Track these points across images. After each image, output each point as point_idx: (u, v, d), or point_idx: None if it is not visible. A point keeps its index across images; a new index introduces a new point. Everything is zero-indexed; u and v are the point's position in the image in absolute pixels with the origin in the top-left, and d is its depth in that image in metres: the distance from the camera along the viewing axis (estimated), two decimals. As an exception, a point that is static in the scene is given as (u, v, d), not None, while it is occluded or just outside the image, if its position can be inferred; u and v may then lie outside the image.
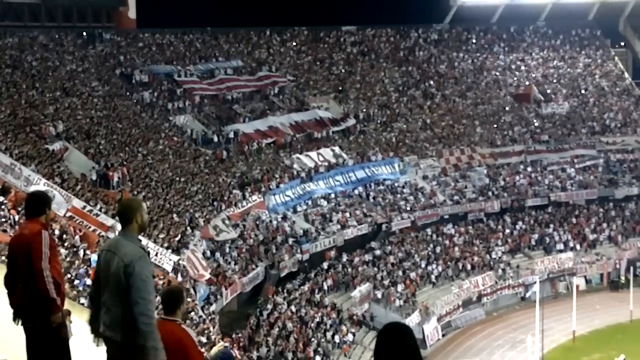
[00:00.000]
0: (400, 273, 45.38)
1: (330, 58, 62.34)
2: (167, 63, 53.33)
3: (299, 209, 46.48)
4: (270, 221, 43.71)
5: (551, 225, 52.91)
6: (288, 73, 58.26)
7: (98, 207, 32.20)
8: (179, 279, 31.60)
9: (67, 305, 6.55)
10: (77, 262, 27.22)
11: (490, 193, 53.86)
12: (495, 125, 60.14)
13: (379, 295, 42.93)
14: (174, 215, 36.64)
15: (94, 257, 26.52)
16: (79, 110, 41.84)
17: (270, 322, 36.60)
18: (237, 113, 51.79)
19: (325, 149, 51.06)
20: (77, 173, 35.36)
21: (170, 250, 32.82)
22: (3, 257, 22.62)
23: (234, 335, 33.66)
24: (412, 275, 45.50)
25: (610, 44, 71.45)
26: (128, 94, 47.94)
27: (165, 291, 5.99)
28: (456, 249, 49.02)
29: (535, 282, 44.67)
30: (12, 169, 31.18)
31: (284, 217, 44.82)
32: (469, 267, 47.92)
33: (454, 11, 67.97)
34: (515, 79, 65.95)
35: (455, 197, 52.79)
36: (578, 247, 52.02)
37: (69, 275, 25.33)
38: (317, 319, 38.68)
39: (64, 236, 28.41)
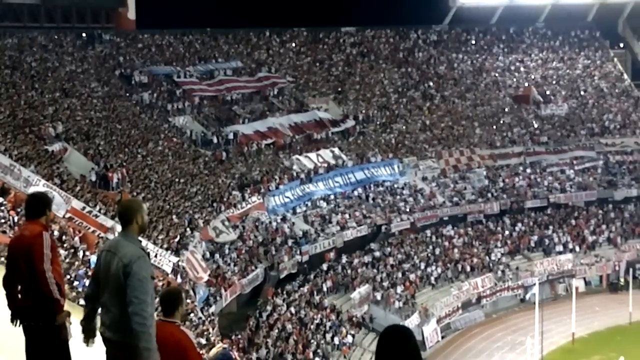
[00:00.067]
0: (400, 274, 45.37)
1: (330, 59, 62.37)
2: (166, 64, 53.35)
3: (298, 210, 46.47)
4: (270, 222, 43.70)
5: (550, 227, 52.92)
6: (287, 74, 58.28)
7: (97, 208, 32.18)
8: (179, 280, 31.57)
9: (67, 306, 6.54)
10: (76, 263, 27.19)
11: (489, 194, 53.87)
12: (494, 127, 60.16)
13: (379, 297, 42.91)
14: (174, 217, 36.62)
15: (93, 258, 26.50)
16: (78, 111, 41.83)
17: (270, 324, 36.58)
18: (237, 114, 51.79)
19: (324, 150, 51.07)
20: (76, 174, 35.35)
21: (169, 252, 32.80)
22: (1, 258, 22.59)
23: (233, 337, 33.65)
24: (412, 276, 45.49)
25: (609, 45, 71.53)
26: (127, 94, 47.92)
27: (163, 292, 5.98)
28: (455, 250, 49.01)
29: (534, 284, 44.67)
30: (12, 170, 31.15)
31: (284, 219, 44.81)
32: (468, 268, 47.91)
33: (453, 12, 68.04)
34: (514, 80, 65.99)
35: (455, 199, 52.80)
36: (577, 248, 52.02)
37: (68, 277, 25.28)
38: (317, 321, 38.66)
39: (64, 237, 28.38)
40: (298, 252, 42.65)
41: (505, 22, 69.77)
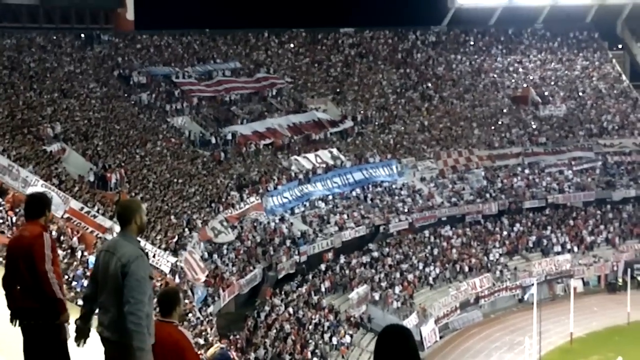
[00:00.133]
0: (398, 275, 45.40)
1: (328, 60, 62.39)
2: (165, 64, 53.34)
3: (296, 210, 46.49)
4: (268, 223, 43.71)
5: (549, 227, 52.96)
6: (286, 75, 58.29)
7: (96, 208, 32.19)
8: (177, 280, 31.58)
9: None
10: (74, 263, 27.20)
11: (487, 195, 53.91)
12: (492, 127, 60.20)
13: (377, 297, 42.93)
14: (172, 217, 36.63)
15: (91, 259, 26.52)
16: (76, 112, 41.83)
17: (268, 324, 36.59)
18: (235, 115, 51.79)
19: (323, 150, 51.08)
20: (74, 174, 35.35)
21: (167, 252, 32.80)
22: (0, 259, 22.60)
23: (231, 337, 33.65)
24: (410, 277, 45.53)
25: (607, 47, 71.57)
26: (126, 95, 47.92)
27: (161, 293, 5.99)
28: (454, 250, 49.05)
29: (532, 284, 44.73)
30: (10, 170, 31.17)
31: (282, 219, 44.82)
32: (466, 269, 47.95)
33: (451, 13, 68.06)
34: (513, 81, 66.03)
35: (453, 199, 52.83)
36: (575, 249, 52.07)
37: (66, 277, 25.30)
38: (315, 321, 38.69)
39: (62, 237, 28.38)
40: (296, 252, 42.66)
41: (503, 23, 69.79)
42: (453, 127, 59.27)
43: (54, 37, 49.82)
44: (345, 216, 47.52)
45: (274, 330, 36.06)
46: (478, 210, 52.61)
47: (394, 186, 52.04)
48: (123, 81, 49.49)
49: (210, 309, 34.16)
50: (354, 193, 50.23)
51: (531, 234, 52.43)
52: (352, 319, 40.53)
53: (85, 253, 28.36)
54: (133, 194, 35.51)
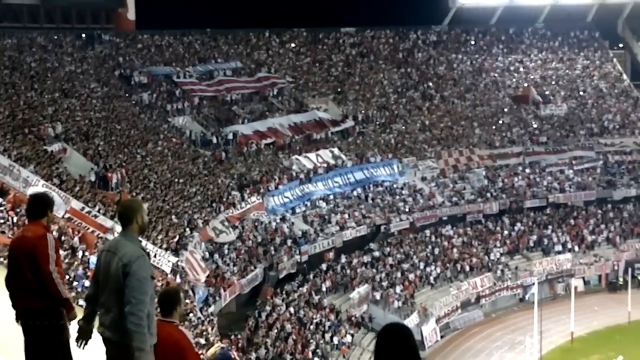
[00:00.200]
0: (399, 274, 45.41)
1: (329, 59, 62.39)
2: (166, 64, 53.35)
3: (297, 210, 46.50)
4: (269, 222, 43.72)
5: (549, 227, 52.96)
6: (287, 74, 58.30)
7: (97, 208, 32.21)
8: (178, 280, 31.60)
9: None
10: (75, 263, 27.23)
11: (488, 194, 53.90)
12: (493, 127, 60.19)
13: (378, 297, 42.95)
14: (173, 217, 36.65)
15: (92, 259, 26.55)
16: (77, 112, 41.85)
17: (269, 324, 36.61)
18: (236, 114, 51.81)
19: (324, 150, 51.09)
20: (75, 174, 35.37)
21: (169, 252, 32.82)
22: (1, 259, 22.62)
23: (232, 337, 33.67)
24: (411, 276, 45.53)
25: (608, 46, 71.53)
26: (127, 95, 47.94)
27: (161, 293, 5.99)
28: (455, 250, 49.05)
29: (533, 284, 44.73)
30: (11, 170, 31.19)
31: (283, 219, 44.84)
32: (467, 268, 47.96)
33: (452, 13, 68.04)
34: (513, 80, 66.01)
35: (454, 199, 52.83)
36: (576, 248, 52.06)
37: (67, 277, 25.33)
38: (316, 321, 38.70)
39: (63, 237, 28.40)
40: (297, 252, 42.68)
41: (504, 23, 69.76)
42: (454, 127, 59.27)
43: (55, 37, 49.83)
44: (346, 216, 47.52)
45: (275, 330, 36.08)
46: (479, 210, 52.61)
47: (395, 186, 52.04)
48: (124, 81, 49.51)
49: (211, 309, 34.18)
50: (355, 193, 50.24)
51: (532, 233, 52.43)
52: (353, 318, 40.54)
53: (86, 253, 28.39)
54: (134, 194, 35.53)
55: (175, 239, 34.56)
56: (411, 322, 40.35)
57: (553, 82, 66.43)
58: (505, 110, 62.50)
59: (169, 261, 32.07)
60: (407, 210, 50.12)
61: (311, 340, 36.92)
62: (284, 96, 55.95)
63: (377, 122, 57.43)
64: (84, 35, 51.93)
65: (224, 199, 41.79)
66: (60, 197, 30.55)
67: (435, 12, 68.52)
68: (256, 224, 43.00)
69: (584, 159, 58.29)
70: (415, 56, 65.68)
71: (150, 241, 31.69)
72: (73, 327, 6.19)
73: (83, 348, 5.82)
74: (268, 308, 37.88)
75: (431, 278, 46.59)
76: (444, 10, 68.18)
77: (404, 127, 57.93)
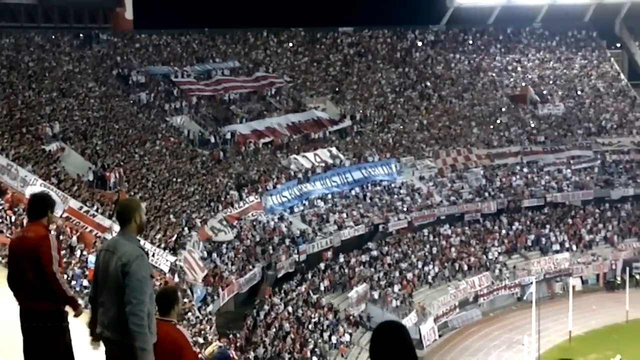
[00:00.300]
0: (397, 274, 45.44)
1: (327, 59, 62.38)
2: (164, 64, 53.32)
3: (295, 209, 46.50)
4: (267, 222, 43.73)
5: (547, 226, 53.01)
6: (285, 74, 58.29)
7: (95, 207, 32.19)
8: (176, 279, 31.60)
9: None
10: (73, 262, 27.22)
11: (486, 194, 53.95)
12: (491, 126, 60.24)
13: (376, 296, 42.98)
14: (171, 216, 36.65)
15: (90, 258, 26.54)
16: (75, 111, 41.83)
17: (267, 323, 36.63)
18: (234, 114, 51.81)
19: (322, 149, 51.10)
20: (73, 174, 35.35)
21: (167, 251, 32.82)
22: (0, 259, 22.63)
23: (230, 336, 33.69)
24: (409, 275, 45.57)
25: (606, 45, 71.58)
26: (125, 94, 47.92)
27: (159, 292, 5.98)
28: (453, 249, 49.10)
29: (531, 283, 44.75)
30: (9, 170, 31.16)
31: (281, 218, 44.85)
32: (465, 267, 48.01)
33: (450, 12, 68.04)
34: (511, 80, 66.05)
35: (452, 198, 52.86)
36: (574, 247, 52.13)
37: (65, 276, 25.32)
38: (314, 320, 38.72)
39: (61, 237, 28.38)
40: (295, 251, 42.69)
41: (502, 23, 69.77)
42: (452, 126, 59.31)
43: (53, 37, 49.78)
44: (344, 215, 47.55)
45: (274, 329, 36.10)
46: (477, 209, 52.65)
47: (393, 185, 52.07)
48: (122, 80, 49.48)
49: (210, 308, 34.18)
50: (353, 192, 50.26)
51: (530, 232, 52.48)
52: (351, 317, 40.57)
53: (85, 252, 28.38)
54: (132, 193, 35.52)
55: (174, 239, 34.56)
56: (409, 321, 40.40)
57: (551, 82, 66.49)
58: (503, 109, 62.55)
59: (167, 260, 32.07)
60: (405, 209, 50.15)
61: (309, 340, 36.95)
62: (282, 96, 55.94)
63: (375, 122, 57.44)
64: (81, 34, 51.86)
65: (222, 199, 41.79)
66: (58, 196, 30.53)
67: (432, 12, 68.55)
68: (254, 223, 43.00)
69: (581, 159, 58.34)
70: (413, 56, 65.69)
71: (149, 240, 31.67)
72: (78, 324, 6.19)
73: (97, 350, 5.82)
74: (266, 307, 37.89)
75: (429, 277, 46.63)
76: (441, 10, 68.19)
77: (401, 127, 57.95)
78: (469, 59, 66.81)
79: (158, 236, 33.74)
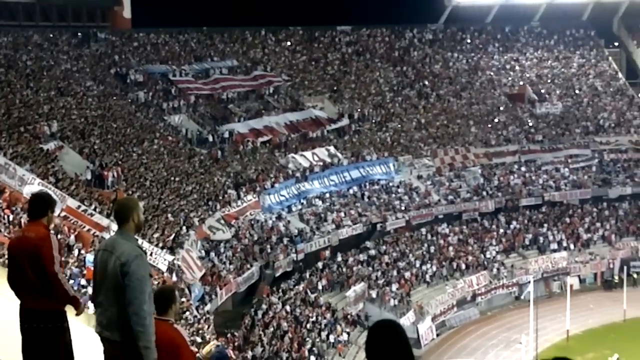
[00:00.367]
0: (395, 273, 45.46)
1: (325, 58, 62.37)
2: (162, 63, 53.30)
3: (293, 208, 46.51)
4: (265, 221, 43.73)
5: (545, 225, 53.05)
6: (283, 73, 58.28)
7: (93, 206, 32.17)
8: (174, 278, 31.59)
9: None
10: (71, 261, 27.20)
11: (484, 193, 53.98)
12: (489, 125, 60.27)
13: (374, 295, 43.00)
14: (169, 215, 36.63)
15: (88, 257, 26.52)
16: (73, 110, 41.80)
17: (265, 322, 36.63)
18: (232, 113, 51.80)
19: (320, 148, 51.11)
20: (71, 172, 35.33)
21: (165, 250, 32.80)
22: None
23: (228, 335, 33.68)
24: (407, 274, 45.58)
25: (604, 44, 71.64)
26: (123, 93, 47.90)
27: (157, 291, 5.98)
28: (450, 248, 49.12)
29: (529, 282, 44.79)
30: (7, 169, 31.13)
31: (279, 217, 44.84)
32: (463, 266, 48.03)
33: (448, 11, 68.04)
34: (509, 79, 66.08)
35: (450, 197, 52.89)
36: (572, 246, 52.17)
37: (63, 275, 25.28)
38: (312, 319, 38.71)
39: (59, 236, 28.37)
40: (293, 250, 42.69)
41: (500, 21, 69.80)
42: (450, 125, 59.34)
43: (51, 35, 49.73)
44: (342, 214, 47.55)
45: (271, 328, 36.10)
46: (475, 208, 52.67)
47: (390, 184, 52.08)
48: (120, 79, 49.46)
49: (208, 307, 34.16)
50: (351, 191, 50.27)
51: (528, 231, 52.53)
52: (349, 316, 40.58)
53: (82, 251, 28.36)
54: (130, 192, 35.50)
55: (171, 238, 34.55)
56: (407, 320, 40.44)
57: (549, 81, 66.53)
58: (501, 108, 62.58)
59: (165, 259, 32.05)
60: (403, 208, 50.16)
61: (307, 339, 36.95)
62: (280, 94, 55.93)
63: (373, 121, 57.45)
64: (79, 33, 51.82)
65: (220, 198, 41.79)
66: (56, 195, 30.53)
67: (431, 11, 68.56)
68: (252, 222, 43.00)
69: (579, 157, 58.37)
70: (411, 54, 65.70)
71: (147, 239, 31.67)
72: (78, 323, 6.19)
73: None
74: (264, 306, 37.89)
75: (427, 276, 46.65)
76: (439, 8, 68.19)
77: (399, 126, 57.97)
78: (467, 57, 66.83)
79: (156, 235, 33.72)
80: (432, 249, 48.61)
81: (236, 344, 33.59)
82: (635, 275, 50.86)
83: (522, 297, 48.10)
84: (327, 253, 44.83)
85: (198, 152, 45.73)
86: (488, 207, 53.14)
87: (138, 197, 34.14)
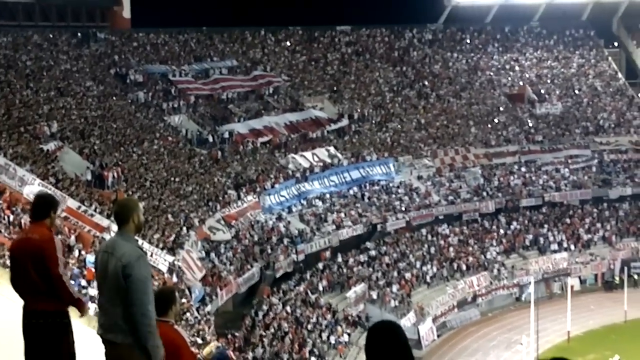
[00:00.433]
0: (395, 273, 45.41)
1: (325, 58, 62.33)
2: (161, 63, 53.25)
3: (294, 209, 46.45)
4: (266, 221, 43.67)
5: (545, 226, 53.02)
6: (283, 73, 58.24)
7: (93, 207, 32.11)
8: (174, 279, 31.52)
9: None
10: (71, 262, 27.13)
11: (484, 193, 53.94)
12: (489, 126, 60.24)
13: (374, 296, 42.95)
14: (169, 216, 36.57)
15: (88, 258, 26.47)
16: (73, 110, 41.75)
17: (266, 323, 36.58)
18: (232, 113, 51.75)
19: (320, 149, 51.07)
20: (71, 173, 35.28)
21: (165, 251, 32.74)
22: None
23: (229, 336, 33.63)
24: (407, 275, 45.53)
25: (603, 44, 71.63)
26: (123, 93, 47.85)
27: (157, 292, 5.94)
28: (451, 249, 49.08)
29: (530, 283, 44.77)
30: (7, 169, 31.07)
31: (279, 218, 44.79)
32: (463, 267, 47.99)
33: (448, 11, 68.03)
34: (509, 79, 66.06)
35: (450, 198, 52.85)
36: (572, 247, 52.13)
37: (67, 277, 25.21)
38: (313, 320, 38.67)
39: (59, 236, 28.28)
40: (294, 251, 42.63)
41: (500, 21, 69.80)
42: (450, 125, 59.30)
43: (50, 35, 49.67)
44: (342, 215, 47.50)
45: (272, 329, 36.05)
46: (475, 209, 52.63)
47: (391, 184, 52.03)
48: (120, 79, 49.41)
49: (208, 308, 34.10)
50: (351, 191, 50.22)
51: (528, 232, 52.49)
52: (349, 317, 40.53)
53: (83, 252, 28.31)
54: (130, 193, 35.45)
55: (172, 238, 34.49)
56: (408, 321, 40.39)
57: (548, 81, 66.51)
58: (501, 108, 62.55)
59: (165, 260, 31.99)
60: (403, 209, 50.12)
61: (308, 340, 36.91)
62: (280, 95, 55.89)
63: (373, 121, 57.41)
64: (79, 33, 51.76)
65: (220, 198, 41.73)
66: (57, 196, 30.46)
67: (430, 11, 68.55)
68: (252, 223, 42.94)
69: (579, 158, 58.34)
70: (410, 55, 65.67)
71: (147, 240, 31.60)
72: (78, 325, 6.13)
73: None
74: (265, 307, 37.85)
75: (427, 277, 46.61)
76: (439, 8, 68.18)
77: (399, 126, 57.93)
78: (466, 57, 66.81)
79: (156, 236, 33.66)
80: (432, 249, 48.57)
81: (237, 345, 33.54)
82: (635, 276, 50.85)
83: (522, 298, 48.07)
84: (328, 254, 44.78)
85: (198, 153, 45.68)
86: (488, 207, 53.10)
87: (138, 198, 34.06)
